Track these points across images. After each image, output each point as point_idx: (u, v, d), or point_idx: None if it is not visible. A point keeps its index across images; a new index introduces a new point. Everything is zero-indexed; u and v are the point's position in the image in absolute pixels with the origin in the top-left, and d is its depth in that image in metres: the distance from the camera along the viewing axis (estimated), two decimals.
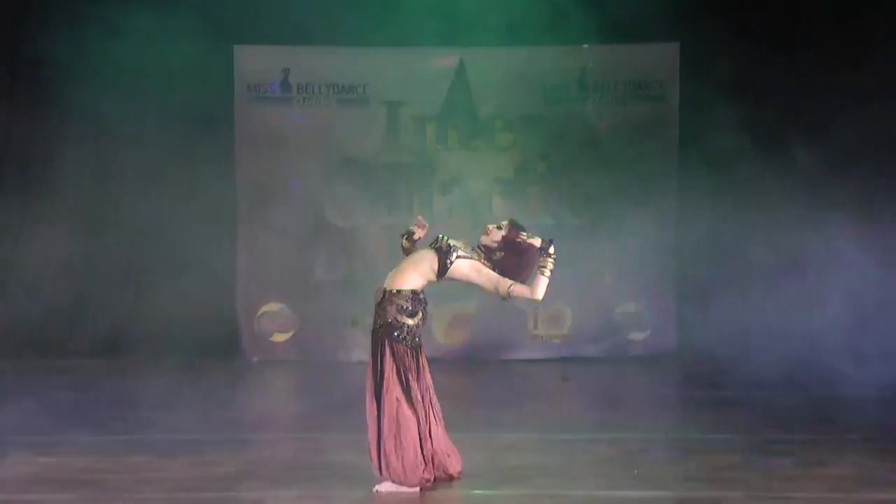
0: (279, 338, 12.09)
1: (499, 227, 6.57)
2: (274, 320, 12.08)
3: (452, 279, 6.54)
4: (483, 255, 6.57)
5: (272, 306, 12.07)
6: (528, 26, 11.63)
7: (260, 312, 12.06)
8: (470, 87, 12.07)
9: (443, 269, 6.47)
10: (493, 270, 6.52)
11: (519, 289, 6.42)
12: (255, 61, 12.06)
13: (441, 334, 11.94)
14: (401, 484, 6.44)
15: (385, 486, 6.48)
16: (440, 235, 6.61)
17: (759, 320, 11.24)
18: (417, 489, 6.45)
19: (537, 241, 6.46)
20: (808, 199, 11.11)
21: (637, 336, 12.12)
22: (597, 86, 12.07)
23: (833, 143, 11.32)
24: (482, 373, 11.32)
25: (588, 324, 12.05)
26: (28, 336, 12.10)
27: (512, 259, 6.52)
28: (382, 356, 6.45)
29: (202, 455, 7.38)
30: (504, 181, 12.14)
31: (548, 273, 6.38)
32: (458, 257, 6.49)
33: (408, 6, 11.50)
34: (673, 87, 11.98)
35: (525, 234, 6.51)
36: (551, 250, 6.42)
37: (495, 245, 6.55)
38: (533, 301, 6.47)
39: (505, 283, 6.42)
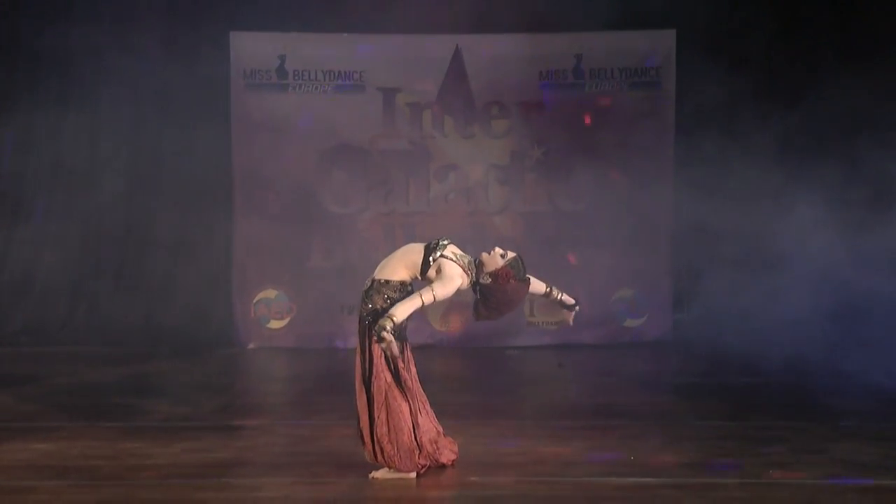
0: (275, 324, 12.08)
1: (502, 256, 6.31)
2: (270, 307, 12.06)
3: (428, 279, 6.30)
4: (473, 272, 6.34)
5: (268, 293, 12.05)
6: (525, 13, 11.61)
7: (256, 299, 12.03)
8: (466, 73, 12.04)
9: (425, 265, 6.28)
10: (475, 291, 6.33)
11: (428, 293, 6.15)
12: (251, 48, 12.00)
13: (437, 321, 11.92)
14: (397, 470, 6.44)
15: (381, 473, 6.48)
16: (442, 238, 6.39)
17: (755, 307, 11.24)
18: (413, 474, 6.45)
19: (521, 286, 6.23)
20: (805, 185, 11.08)
21: (633, 322, 12.13)
22: (593, 72, 12.05)
23: (832, 128, 11.32)
24: (478, 359, 11.31)
25: (584, 310, 11.95)
26: (24, 323, 12.13)
27: (495, 295, 6.29)
28: (371, 343, 6.33)
29: (197, 441, 7.38)
30: (500, 167, 12.12)
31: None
32: (441, 256, 6.28)
33: None
34: (669, 74, 11.95)
35: (517, 281, 6.29)
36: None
37: (488, 270, 6.30)
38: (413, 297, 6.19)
39: (430, 288, 6.19)
